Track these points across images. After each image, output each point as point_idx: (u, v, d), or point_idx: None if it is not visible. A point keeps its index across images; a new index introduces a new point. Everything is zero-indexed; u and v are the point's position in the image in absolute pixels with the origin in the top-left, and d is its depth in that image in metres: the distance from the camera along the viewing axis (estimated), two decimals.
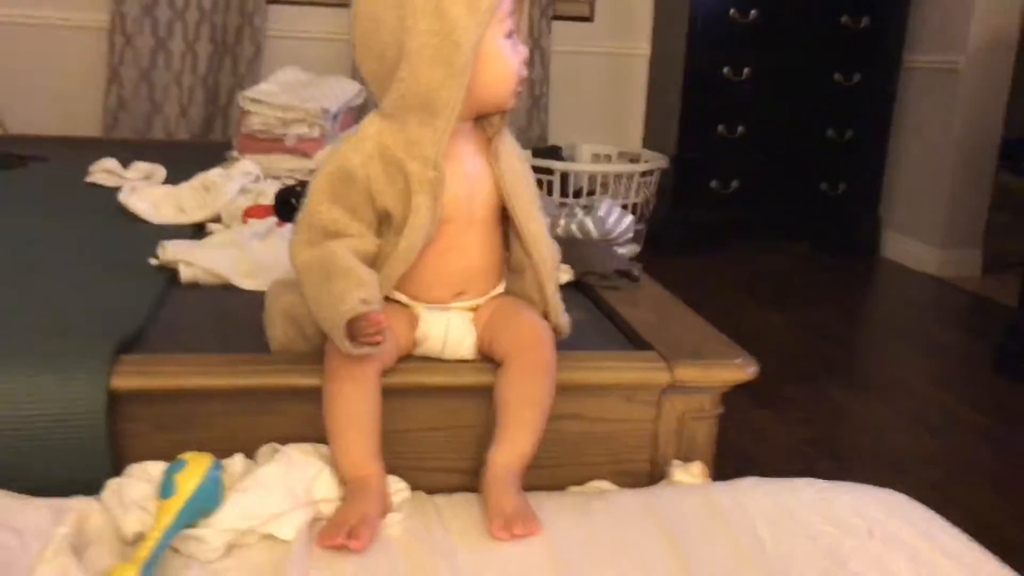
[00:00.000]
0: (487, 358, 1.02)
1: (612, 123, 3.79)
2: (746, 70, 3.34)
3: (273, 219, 1.44)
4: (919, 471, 1.80)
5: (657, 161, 3.36)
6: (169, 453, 0.91)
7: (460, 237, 1.00)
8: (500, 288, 1.07)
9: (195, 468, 0.78)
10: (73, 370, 0.88)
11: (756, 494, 0.97)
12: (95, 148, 2.43)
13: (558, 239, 1.37)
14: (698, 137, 3.40)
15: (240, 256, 1.30)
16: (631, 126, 3.81)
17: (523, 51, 0.98)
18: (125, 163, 1.97)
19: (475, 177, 1.00)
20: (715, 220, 3.46)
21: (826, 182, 3.50)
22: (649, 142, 3.69)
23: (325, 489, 0.88)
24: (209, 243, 1.36)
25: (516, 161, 1.04)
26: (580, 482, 1.04)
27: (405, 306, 1.02)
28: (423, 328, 1.02)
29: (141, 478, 0.82)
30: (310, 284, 0.93)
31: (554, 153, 3.46)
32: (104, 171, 1.95)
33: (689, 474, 1.03)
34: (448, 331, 1.02)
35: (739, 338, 2.57)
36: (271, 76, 2.29)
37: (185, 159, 2.00)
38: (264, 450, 0.93)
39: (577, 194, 3.25)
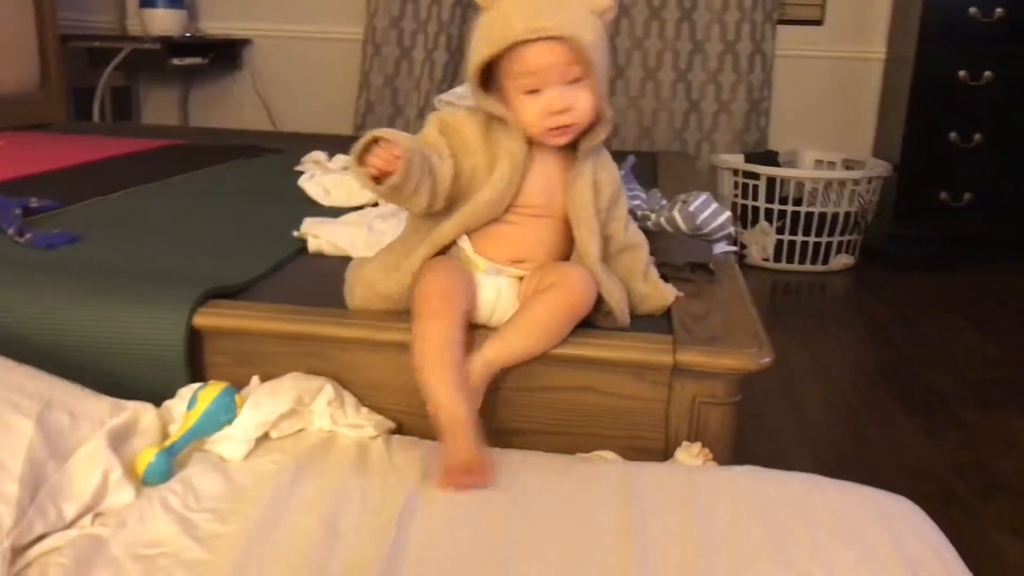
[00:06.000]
0: None
1: (842, 130, 3.63)
2: (987, 73, 3.07)
3: None
4: None
5: (874, 169, 3.19)
6: (244, 383, 1.12)
7: (532, 220, 1.15)
8: None
9: (213, 389, 0.98)
10: (157, 307, 1.11)
11: (738, 481, 0.99)
12: (336, 144, 2.79)
13: (648, 231, 1.44)
14: (927, 145, 3.18)
15: (361, 233, 1.50)
16: (862, 133, 3.63)
17: (554, 103, 1.07)
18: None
19: (555, 183, 1.15)
20: (943, 234, 3.22)
21: None
22: (880, 150, 3.50)
23: (323, 403, 1.05)
24: (341, 220, 1.57)
25: (586, 190, 1.14)
26: (590, 451, 1.11)
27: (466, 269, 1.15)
28: (479, 294, 1.14)
29: (183, 398, 1.03)
30: None
31: (769, 158, 3.40)
32: (313, 161, 2.26)
33: (689, 454, 1.07)
34: (499, 297, 1.14)
35: (926, 358, 2.47)
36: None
37: None
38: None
39: (784, 200, 3.18)
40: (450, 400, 0.97)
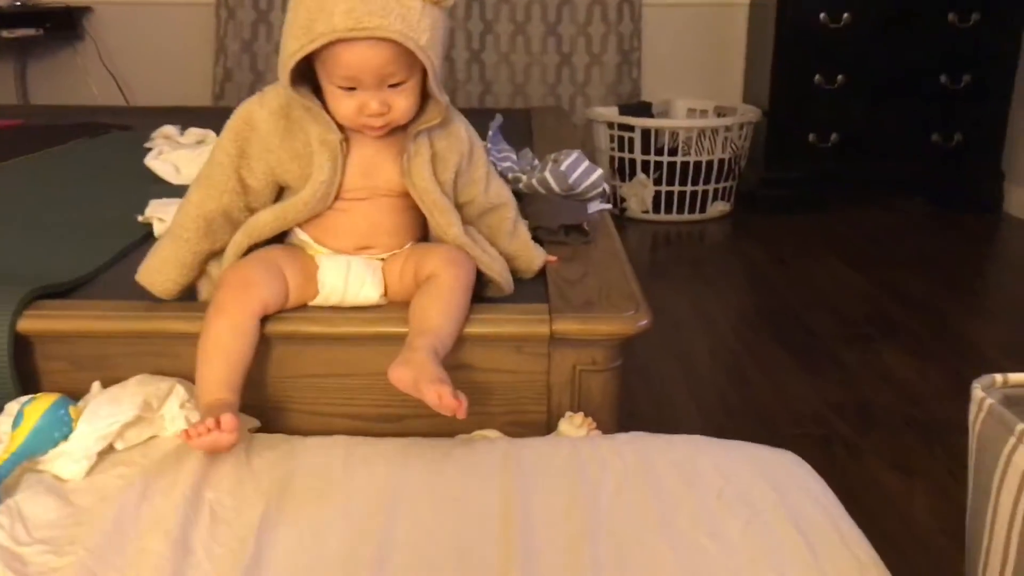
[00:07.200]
0: (399, 303, 1.07)
1: (712, 77, 3.65)
2: (845, 15, 3.13)
3: None
4: (950, 441, 1.67)
5: (744, 115, 3.22)
6: (84, 390, 1.01)
7: (359, 204, 1.07)
8: (410, 245, 1.10)
9: (42, 402, 0.87)
10: None
11: (623, 449, 0.96)
12: (192, 116, 2.61)
13: (520, 194, 1.38)
14: (793, 88, 3.23)
15: None
16: (731, 80, 3.67)
17: (370, 106, 0.98)
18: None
19: (376, 164, 1.06)
20: (813, 176, 3.29)
21: (939, 133, 3.24)
22: (749, 96, 3.55)
23: (174, 405, 0.97)
24: None
25: (424, 171, 1.06)
26: (472, 431, 1.06)
27: (307, 255, 1.07)
28: (322, 275, 1.06)
29: (10, 413, 0.91)
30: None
31: (643, 109, 3.39)
32: (163, 137, 2.10)
33: (572, 425, 1.03)
34: (349, 272, 1.07)
35: (802, 299, 2.48)
36: None
37: None
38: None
39: (659, 151, 3.19)
40: (214, 393, 0.95)
